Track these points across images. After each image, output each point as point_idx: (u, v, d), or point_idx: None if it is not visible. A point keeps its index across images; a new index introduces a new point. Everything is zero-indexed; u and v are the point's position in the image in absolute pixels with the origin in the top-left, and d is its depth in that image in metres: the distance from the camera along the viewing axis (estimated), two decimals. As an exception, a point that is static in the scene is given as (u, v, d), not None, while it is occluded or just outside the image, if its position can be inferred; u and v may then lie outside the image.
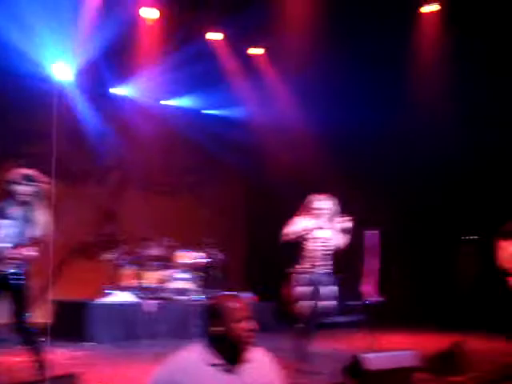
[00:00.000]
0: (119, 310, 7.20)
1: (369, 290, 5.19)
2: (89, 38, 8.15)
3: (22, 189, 4.13)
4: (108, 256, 7.80)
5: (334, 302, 4.81)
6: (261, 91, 9.77)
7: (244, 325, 2.12)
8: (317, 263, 4.93)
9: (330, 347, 6.86)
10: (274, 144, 10.05)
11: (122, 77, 9.45)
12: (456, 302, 9.47)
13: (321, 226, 4.94)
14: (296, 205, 5.10)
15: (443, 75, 8.71)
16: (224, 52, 9.46)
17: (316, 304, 4.76)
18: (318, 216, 4.93)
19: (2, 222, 4.10)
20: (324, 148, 9.49)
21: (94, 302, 7.29)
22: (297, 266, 4.93)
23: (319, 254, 4.96)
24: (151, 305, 7.01)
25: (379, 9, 8.13)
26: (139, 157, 9.85)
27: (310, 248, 4.95)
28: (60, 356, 5.71)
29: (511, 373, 4.65)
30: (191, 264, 7.97)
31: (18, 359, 5.44)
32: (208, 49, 9.22)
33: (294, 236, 4.91)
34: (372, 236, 5.44)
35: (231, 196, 11.31)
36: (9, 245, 4.08)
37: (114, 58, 8.70)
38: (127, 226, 9.21)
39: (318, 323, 4.78)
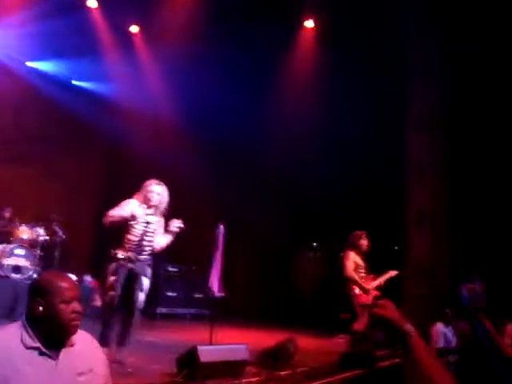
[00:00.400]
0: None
1: (214, 284, 5.25)
2: None
3: None
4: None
5: (142, 295, 4.71)
6: (133, 71, 9.46)
7: (70, 306, 1.99)
8: (135, 251, 4.62)
9: (170, 338, 6.86)
10: (140, 129, 9.80)
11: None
12: (294, 302, 10.06)
13: (149, 214, 4.68)
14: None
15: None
16: (99, 22, 8.98)
17: (127, 294, 4.56)
18: (148, 201, 4.67)
19: None
20: (185, 138, 9.49)
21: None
22: (114, 252, 4.61)
23: (140, 242, 4.64)
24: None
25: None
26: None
27: (133, 235, 4.62)
28: None
29: (333, 369, 5.05)
30: (30, 240, 7.41)
31: None
32: (82, 14, 8.67)
33: (119, 219, 4.55)
34: (219, 230, 5.53)
35: (88, 174, 10.76)
36: None
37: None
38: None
39: (121, 314, 4.60)
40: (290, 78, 9.42)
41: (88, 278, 8.13)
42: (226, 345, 4.70)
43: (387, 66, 8.86)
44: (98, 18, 9.01)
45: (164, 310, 9.21)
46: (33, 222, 7.45)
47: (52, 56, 9.35)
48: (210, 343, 4.99)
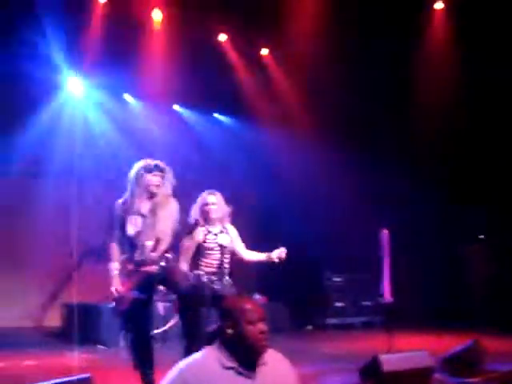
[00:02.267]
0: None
1: (387, 291, 5.12)
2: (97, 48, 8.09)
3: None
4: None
5: None
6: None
7: (257, 327, 2.06)
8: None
9: (344, 348, 6.82)
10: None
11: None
12: (468, 302, 9.38)
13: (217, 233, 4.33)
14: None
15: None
16: (231, 53, 9.43)
17: None
18: (208, 216, 4.27)
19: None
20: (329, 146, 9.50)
21: (107, 305, 7.28)
22: None
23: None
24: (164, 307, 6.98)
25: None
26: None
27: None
28: (74, 360, 5.71)
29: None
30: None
31: (29, 363, 5.48)
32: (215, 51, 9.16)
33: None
34: (384, 235, 5.38)
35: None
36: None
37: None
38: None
39: None
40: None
41: (257, 296, 8.45)
42: (407, 352, 4.52)
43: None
44: (230, 49, 9.45)
45: (334, 321, 9.21)
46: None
47: (195, 97, 9.94)
48: (389, 351, 4.85)
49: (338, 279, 9.53)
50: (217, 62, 9.08)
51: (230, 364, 2.04)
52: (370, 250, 6.99)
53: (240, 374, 2.04)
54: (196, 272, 4.11)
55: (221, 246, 4.22)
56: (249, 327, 2.06)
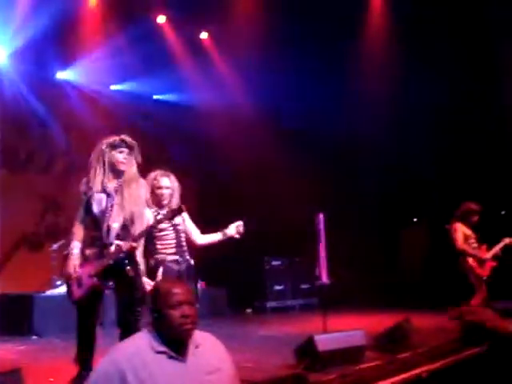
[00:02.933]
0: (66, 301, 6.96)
1: (321, 273, 5.23)
2: (27, 19, 7.76)
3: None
4: (54, 246, 7.54)
5: None
6: (209, 76, 9.66)
7: (178, 311, 2.05)
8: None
9: (283, 330, 6.94)
10: (222, 130, 9.97)
11: (67, 61, 9.07)
12: (402, 282, 9.79)
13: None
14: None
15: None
16: (170, 35, 9.28)
17: None
18: (160, 201, 4.06)
19: None
20: (270, 134, 9.56)
21: (41, 295, 7.05)
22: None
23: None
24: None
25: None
26: (85, 144, 9.53)
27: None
28: (5, 351, 5.50)
29: (455, 347, 4.85)
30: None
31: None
32: (154, 31, 8.99)
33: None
34: (320, 219, 5.49)
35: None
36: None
37: (57, 41, 8.32)
38: (73, 214, 8.90)
39: None
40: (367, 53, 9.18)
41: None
42: (342, 332, 4.66)
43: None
44: (169, 31, 9.31)
45: (273, 304, 9.36)
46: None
47: (132, 77, 9.76)
48: (325, 332, 4.98)
49: (276, 263, 9.66)
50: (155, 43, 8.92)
51: (160, 348, 2.03)
52: (308, 234, 7.14)
53: (171, 357, 2.04)
54: (157, 257, 3.89)
55: (174, 225, 3.96)
56: (170, 311, 2.04)
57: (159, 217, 3.86)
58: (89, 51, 8.70)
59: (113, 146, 3.60)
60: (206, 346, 2.15)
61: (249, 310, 9.30)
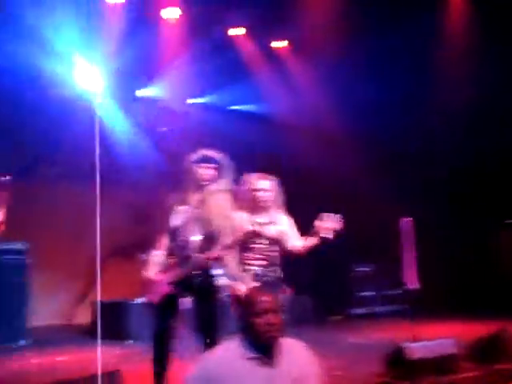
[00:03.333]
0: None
1: (410, 278, 5.06)
2: (113, 44, 8.25)
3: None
4: (144, 256, 7.89)
5: None
6: (287, 85, 9.72)
7: (264, 319, 2.08)
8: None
9: (371, 338, 6.80)
10: (301, 141, 9.97)
11: (148, 79, 9.53)
12: (496, 289, 9.25)
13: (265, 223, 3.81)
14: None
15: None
16: (247, 46, 9.44)
17: None
18: (258, 204, 3.76)
19: None
20: (351, 140, 9.45)
21: (136, 302, 7.41)
22: None
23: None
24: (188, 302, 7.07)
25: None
26: (170, 158, 9.93)
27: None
28: (103, 354, 5.82)
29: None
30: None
31: (61, 358, 5.62)
32: (230, 44, 9.21)
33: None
34: (407, 223, 5.33)
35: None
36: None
37: (139, 60, 8.77)
38: (161, 225, 9.29)
39: None
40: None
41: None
42: (433, 340, 4.50)
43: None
44: (245, 42, 9.49)
45: (359, 311, 9.21)
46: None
47: (210, 89, 10.03)
48: (414, 340, 4.82)
49: (363, 269, 9.50)
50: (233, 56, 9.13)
51: (250, 354, 2.08)
52: (394, 239, 6.96)
53: (261, 363, 2.08)
54: (245, 267, 3.67)
55: (268, 238, 3.71)
56: (256, 319, 2.09)
57: (256, 227, 3.66)
58: (167, 67, 9.08)
59: (199, 161, 3.63)
60: (295, 352, 2.18)
61: (335, 317, 9.21)
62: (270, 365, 2.09)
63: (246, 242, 3.68)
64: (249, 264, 3.72)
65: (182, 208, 3.68)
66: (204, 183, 3.62)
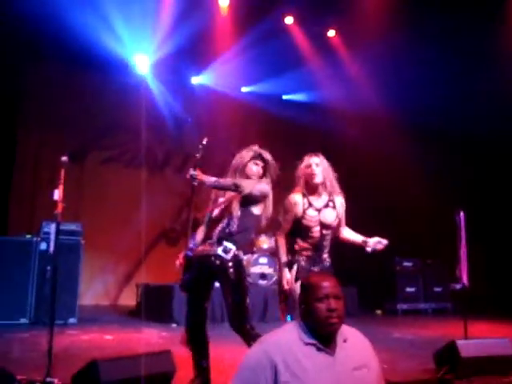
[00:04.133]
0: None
1: (462, 275, 4.91)
2: (167, 29, 8.34)
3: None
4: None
5: None
6: (338, 74, 9.59)
7: (324, 304, 2.04)
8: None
9: (418, 334, 6.66)
10: (353, 127, 9.84)
11: (201, 66, 9.59)
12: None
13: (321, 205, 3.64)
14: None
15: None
16: (298, 34, 9.37)
17: None
18: (311, 180, 3.61)
19: None
20: (402, 128, 9.24)
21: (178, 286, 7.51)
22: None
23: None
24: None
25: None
26: (217, 146, 9.98)
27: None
28: (150, 336, 5.95)
29: None
30: (270, 249, 8.01)
31: (108, 337, 5.76)
32: (281, 32, 9.15)
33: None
34: (461, 217, 5.16)
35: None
36: None
37: (191, 48, 8.83)
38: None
39: None
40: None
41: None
42: (487, 338, 4.36)
43: None
44: (296, 31, 9.41)
45: (404, 306, 9.06)
46: (270, 232, 8.03)
47: (262, 78, 10.01)
48: (466, 337, 4.69)
49: (408, 264, 9.32)
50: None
51: (309, 340, 2.05)
52: (443, 234, 6.78)
53: (320, 349, 2.05)
54: (294, 252, 3.57)
55: (322, 224, 3.55)
56: (316, 304, 2.06)
57: (309, 211, 3.52)
58: (220, 56, 9.11)
59: (252, 158, 3.65)
60: (354, 341, 2.14)
61: (378, 312, 9.09)
62: (330, 352, 2.06)
63: (299, 227, 3.54)
64: (296, 249, 3.59)
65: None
66: (253, 179, 3.63)
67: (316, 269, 3.63)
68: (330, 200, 3.60)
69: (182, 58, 9.20)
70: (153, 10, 8.11)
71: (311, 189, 3.57)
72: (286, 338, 2.06)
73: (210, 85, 9.92)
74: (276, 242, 3.67)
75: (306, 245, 3.56)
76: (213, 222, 3.65)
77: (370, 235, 3.66)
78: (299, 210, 3.54)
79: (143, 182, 9.43)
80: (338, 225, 3.68)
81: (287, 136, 10.14)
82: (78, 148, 9.09)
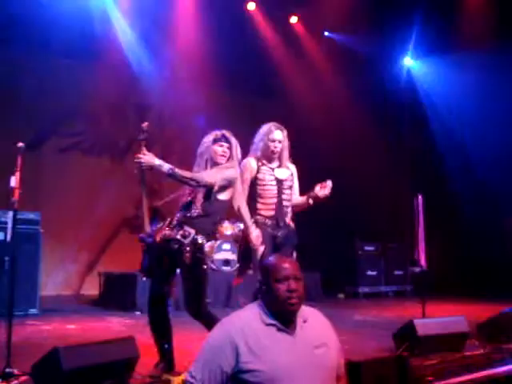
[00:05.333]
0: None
1: (420, 257, 5.06)
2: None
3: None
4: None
5: None
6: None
7: (284, 285, 2.08)
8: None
9: (378, 315, 6.85)
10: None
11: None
12: (504, 271, 9.23)
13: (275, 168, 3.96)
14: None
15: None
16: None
17: None
18: (271, 153, 3.93)
19: None
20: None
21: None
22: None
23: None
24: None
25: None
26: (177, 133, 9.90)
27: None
28: (113, 324, 5.91)
29: None
30: (233, 235, 8.04)
31: (71, 326, 5.69)
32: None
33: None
34: (419, 201, 5.30)
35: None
36: None
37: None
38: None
39: None
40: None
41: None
42: (443, 317, 4.51)
43: None
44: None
45: (366, 289, 9.27)
46: (233, 218, 8.05)
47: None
48: (423, 316, 4.85)
49: (369, 248, 9.52)
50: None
51: (270, 321, 2.08)
52: (402, 218, 6.95)
53: (281, 330, 2.08)
54: (256, 217, 3.75)
55: (278, 180, 3.85)
56: (277, 285, 2.09)
57: (263, 167, 3.84)
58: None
59: (215, 140, 3.66)
60: (314, 320, 2.19)
61: (341, 295, 9.27)
62: (290, 332, 2.10)
63: (255, 189, 3.80)
64: (258, 214, 3.81)
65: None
66: (218, 160, 3.64)
67: (280, 233, 3.82)
68: (282, 164, 3.93)
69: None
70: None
71: (267, 157, 3.88)
72: (246, 319, 2.09)
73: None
74: (239, 209, 3.68)
75: (266, 208, 3.80)
76: (180, 208, 3.64)
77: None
78: (254, 167, 3.83)
79: (103, 170, 9.28)
80: (292, 188, 3.92)
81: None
82: (34, 136, 8.84)
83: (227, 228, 8.15)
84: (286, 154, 3.93)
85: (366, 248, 9.49)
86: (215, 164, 3.62)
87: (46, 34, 7.89)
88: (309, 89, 9.81)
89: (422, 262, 5.05)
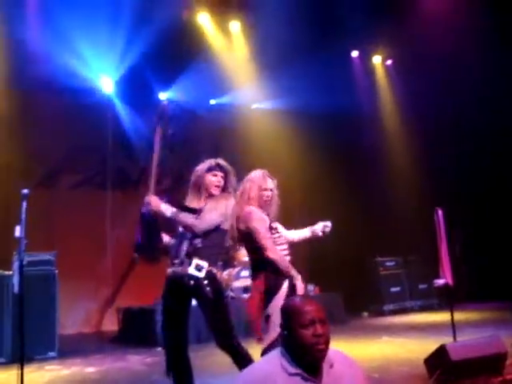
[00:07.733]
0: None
1: (445, 272, 4.84)
2: (129, 47, 8.21)
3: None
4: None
5: None
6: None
7: (310, 330, 1.92)
8: None
9: (407, 335, 6.56)
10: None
11: (168, 81, 9.42)
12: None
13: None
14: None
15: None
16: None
17: None
18: (268, 206, 3.54)
19: None
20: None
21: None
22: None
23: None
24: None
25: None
26: (190, 163, 9.82)
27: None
28: (133, 364, 5.75)
29: None
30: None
31: (90, 370, 5.54)
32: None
33: None
34: (438, 216, 5.11)
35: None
36: None
37: (157, 63, 8.67)
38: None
39: None
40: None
41: (311, 287, 8.28)
42: (476, 338, 4.29)
43: None
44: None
45: (391, 307, 9.02)
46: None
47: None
48: (454, 339, 4.62)
49: (390, 264, 9.29)
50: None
51: (293, 370, 1.93)
52: (422, 231, 6.75)
53: (306, 379, 1.92)
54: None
55: (289, 243, 3.60)
56: (301, 331, 1.93)
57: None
58: (187, 69, 8.97)
59: (209, 169, 3.57)
60: (340, 364, 2.02)
61: (365, 314, 9.04)
62: (316, 380, 1.93)
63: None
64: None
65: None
66: (212, 191, 3.55)
67: None
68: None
69: (148, 75, 9.02)
70: (114, 29, 7.98)
71: (263, 206, 3.49)
72: (268, 371, 1.93)
73: (179, 99, 9.75)
74: (274, 252, 3.30)
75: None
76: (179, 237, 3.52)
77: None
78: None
79: (109, 203, 9.20)
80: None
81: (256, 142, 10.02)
82: (46, 174, 8.83)
83: (245, 254, 7.99)
84: (274, 206, 3.55)
85: (387, 264, 9.27)
86: (210, 195, 3.54)
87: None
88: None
89: (448, 278, 4.84)
